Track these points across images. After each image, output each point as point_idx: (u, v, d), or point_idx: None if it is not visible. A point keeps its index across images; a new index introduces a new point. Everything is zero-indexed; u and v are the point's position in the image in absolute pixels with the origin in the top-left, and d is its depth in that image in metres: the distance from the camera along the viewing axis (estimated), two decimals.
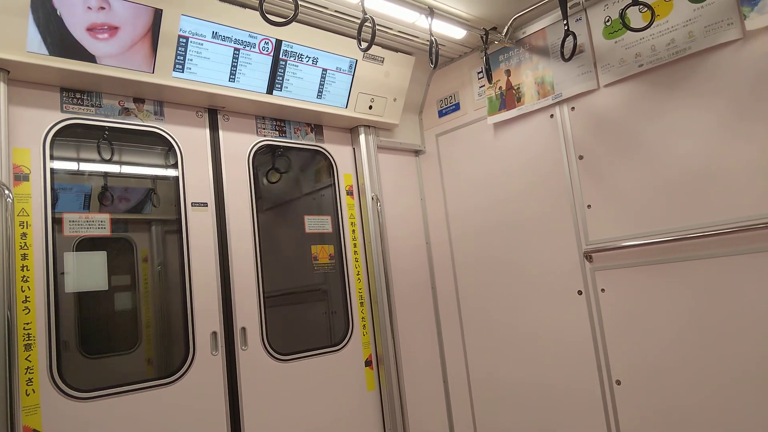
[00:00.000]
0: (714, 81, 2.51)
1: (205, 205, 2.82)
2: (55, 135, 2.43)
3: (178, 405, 2.55)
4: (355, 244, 3.43)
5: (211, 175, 2.89)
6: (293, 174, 3.78)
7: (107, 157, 2.86)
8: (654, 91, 2.70)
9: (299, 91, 3.05)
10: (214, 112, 2.97)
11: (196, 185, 2.82)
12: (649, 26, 2.50)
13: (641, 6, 2.49)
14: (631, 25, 2.54)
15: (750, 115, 2.41)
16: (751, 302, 2.39)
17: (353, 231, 3.44)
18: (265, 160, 3.47)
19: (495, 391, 3.41)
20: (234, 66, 2.76)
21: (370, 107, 3.37)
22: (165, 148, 2.91)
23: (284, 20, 2.17)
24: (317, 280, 3.54)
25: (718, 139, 2.49)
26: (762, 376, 2.37)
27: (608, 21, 2.84)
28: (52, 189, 2.39)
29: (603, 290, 2.88)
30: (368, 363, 3.32)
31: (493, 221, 3.40)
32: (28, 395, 2.18)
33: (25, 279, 2.24)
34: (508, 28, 3.16)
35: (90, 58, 2.34)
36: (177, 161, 2.78)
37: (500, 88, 3.35)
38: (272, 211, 3.78)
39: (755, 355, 2.39)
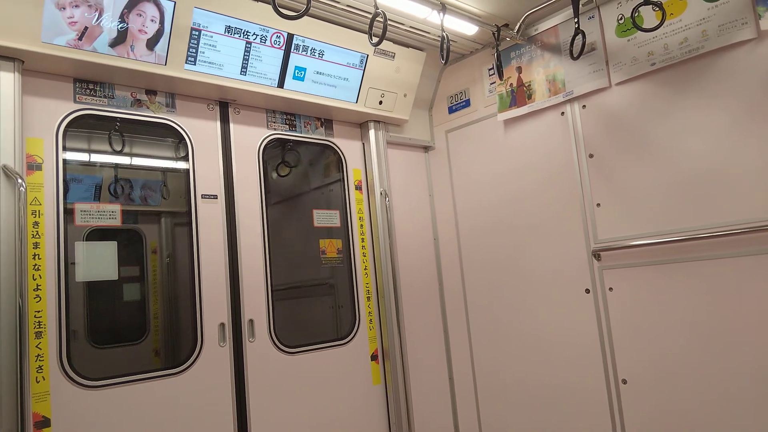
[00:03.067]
0: (727, 81, 2.50)
1: (215, 197, 2.84)
2: (67, 125, 2.45)
3: (185, 395, 2.57)
4: (362, 239, 3.43)
5: (222, 168, 2.90)
6: (302, 168, 3.79)
7: (118, 148, 2.88)
8: (666, 90, 2.69)
9: (310, 86, 3.05)
10: (225, 105, 2.98)
11: (207, 178, 2.83)
12: (659, 27, 2.48)
13: (654, 5, 2.48)
14: (644, 24, 2.53)
15: (762, 116, 2.39)
16: (761, 304, 2.38)
17: (361, 226, 3.45)
18: (274, 153, 3.47)
19: (500, 387, 3.41)
20: (245, 59, 2.76)
21: (381, 102, 3.38)
22: (176, 141, 2.93)
23: (296, 14, 2.17)
24: (325, 273, 3.55)
25: (730, 140, 2.48)
26: None
27: (621, 19, 2.83)
28: (64, 179, 2.41)
29: (611, 289, 2.87)
30: (374, 357, 3.33)
31: (502, 218, 3.39)
32: (38, 382, 2.20)
33: (36, 267, 2.26)
34: (520, 25, 3.15)
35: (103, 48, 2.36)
36: (188, 153, 2.80)
37: (511, 85, 3.34)
38: (281, 205, 3.80)
39: (763, 356, 2.37)
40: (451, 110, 3.76)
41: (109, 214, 2.61)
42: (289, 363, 2.96)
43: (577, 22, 2.70)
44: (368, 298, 3.38)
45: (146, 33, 2.42)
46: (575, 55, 2.75)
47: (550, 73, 3.14)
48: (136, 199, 3.29)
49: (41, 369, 2.22)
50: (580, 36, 2.70)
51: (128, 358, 3.29)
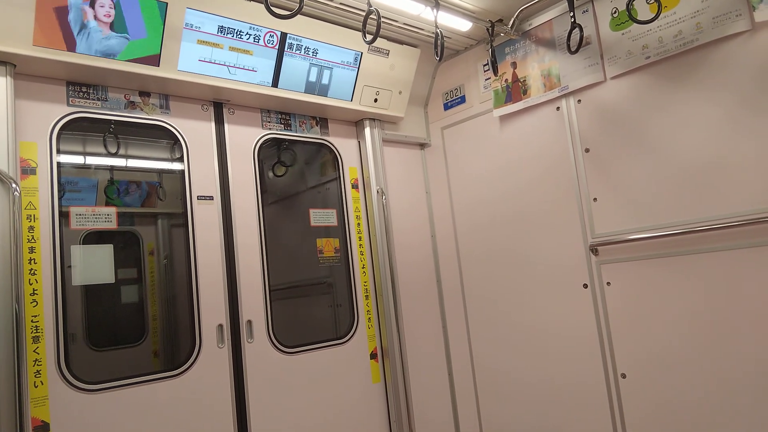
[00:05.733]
0: (721, 73, 2.49)
1: (211, 198, 2.83)
2: (61, 129, 2.44)
3: (184, 397, 2.57)
4: (360, 238, 3.43)
5: (217, 169, 2.89)
6: (298, 167, 3.78)
7: (113, 150, 2.87)
8: (661, 83, 2.69)
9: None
10: (219, 106, 2.97)
11: (202, 179, 2.82)
12: (656, 19, 2.48)
13: None
14: (638, 17, 2.52)
15: (758, 108, 2.39)
16: (757, 296, 2.38)
17: (358, 224, 3.44)
18: (270, 153, 3.47)
19: (500, 383, 3.42)
20: (239, 59, 2.75)
21: (376, 100, 3.37)
22: (171, 142, 2.92)
23: (289, 13, 2.16)
24: (323, 273, 3.55)
25: (725, 132, 2.47)
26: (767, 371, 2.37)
27: (615, 12, 2.82)
28: (59, 182, 2.40)
29: (608, 284, 2.87)
30: (373, 356, 3.33)
31: (499, 214, 3.39)
32: (36, 387, 2.20)
33: (32, 272, 2.25)
34: (514, 20, 3.14)
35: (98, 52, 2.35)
36: (183, 155, 2.79)
37: (506, 80, 3.33)
38: (278, 205, 3.79)
39: (761, 349, 2.38)
40: (446, 107, 3.75)
41: (105, 216, 2.60)
42: (288, 363, 2.95)
43: (573, 16, 2.70)
44: (366, 296, 3.37)
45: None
46: (573, 49, 2.74)
47: (545, 68, 3.14)
48: (132, 202, 3.28)
49: (39, 373, 2.21)
50: (577, 29, 2.69)
51: (127, 360, 3.28)
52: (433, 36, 2.74)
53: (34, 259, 2.27)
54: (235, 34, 2.69)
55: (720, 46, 2.50)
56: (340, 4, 2.82)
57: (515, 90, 3.28)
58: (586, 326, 2.96)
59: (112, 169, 3.07)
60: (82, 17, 2.25)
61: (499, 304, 3.41)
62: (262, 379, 2.84)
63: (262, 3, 2.23)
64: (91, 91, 2.54)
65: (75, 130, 2.57)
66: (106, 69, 2.41)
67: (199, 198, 2.79)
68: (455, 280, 3.67)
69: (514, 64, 3.30)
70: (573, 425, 3.04)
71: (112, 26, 2.35)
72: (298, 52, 2.92)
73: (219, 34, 2.64)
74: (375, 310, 3.40)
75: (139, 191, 3.31)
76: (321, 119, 3.39)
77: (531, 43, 3.21)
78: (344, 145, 3.48)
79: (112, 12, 2.33)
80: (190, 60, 2.60)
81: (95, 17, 2.29)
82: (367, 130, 3.49)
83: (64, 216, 2.41)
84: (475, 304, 3.56)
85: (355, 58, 3.15)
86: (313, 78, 3.05)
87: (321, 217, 3.36)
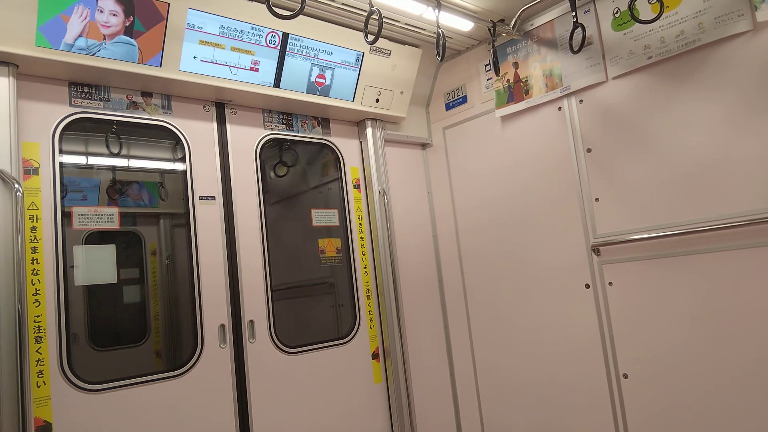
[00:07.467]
0: (723, 73, 2.49)
1: (213, 198, 2.83)
2: (63, 129, 2.44)
3: (186, 397, 2.57)
4: (362, 238, 3.43)
5: (219, 169, 2.89)
6: (300, 167, 3.78)
7: (115, 150, 2.87)
8: (663, 83, 2.68)
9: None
10: (221, 106, 2.97)
11: (204, 179, 2.82)
12: (658, 19, 2.48)
13: None
14: (640, 17, 2.52)
15: (759, 108, 2.38)
16: (759, 296, 2.38)
17: (360, 224, 3.44)
18: (272, 153, 3.47)
19: (502, 383, 3.41)
20: (241, 59, 2.75)
21: (377, 100, 3.37)
22: (173, 142, 2.92)
23: (291, 14, 2.16)
24: (324, 273, 3.55)
25: (728, 132, 2.47)
26: None
27: (617, 12, 2.82)
28: (62, 183, 2.40)
29: (610, 284, 2.87)
30: (375, 356, 3.33)
31: (501, 214, 3.39)
32: (38, 387, 2.20)
33: (35, 272, 2.26)
34: (516, 20, 3.14)
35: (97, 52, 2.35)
36: (185, 155, 2.79)
37: (508, 80, 3.33)
38: (279, 205, 3.79)
39: (763, 349, 2.37)
40: (448, 107, 3.75)
41: (107, 217, 2.60)
42: (290, 363, 2.96)
43: (575, 16, 2.70)
44: (368, 296, 3.37)
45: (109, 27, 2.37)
46: (576, 49, 2.74)
47: (546, 68, 3.14)
48: (134, 202, 3.29)
49: (42, 374, 2.22)
50: (579, 29, 2.69)
51: (129, 360, 3.29)
52: (435, 36, 2.74)
53: (36, 259, 2.27)
54: (236, 35, 2.69)
55: (722, 46, 2.50)
56: (342, 4, 2.82)
57: (517, 90, 3.28)
58: (587, 327, 2.96)
59: (114, 169, 3.07)
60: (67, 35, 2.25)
61: (501, 303, 3.41)
62: (264, 379, 2.84)
63: (263, 3, 2.23)
64: (93, 92, 2.55)
65: (77, 131, 2.58)
66: (108, 69, 2.41)
67: (201, 198, 2.79)
68: (457, 280, 3.67)
69: (515, 64, 3.30)
70: (575, 426, 3.04)
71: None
72: (299, 52, 2.92)
73: (221, 34, 2.65)
74: (377, 310, 3.40)
75: (146, 193, 3.32)
76: (323, 119, 3.40)
77: (533, 43, 3.21)
78: (346, 146, 3.48)
79: (112, 20, 2.34)
80: (192, 60, 2.61)
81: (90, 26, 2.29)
82: (369, 131, 3.49)
83: (66, 216, 2.41)
84: (476, 303, 3.56)
85: (357, 59, 3.15)
86: (314, 78, 3.05)
87: (323, 217, 3.36)
